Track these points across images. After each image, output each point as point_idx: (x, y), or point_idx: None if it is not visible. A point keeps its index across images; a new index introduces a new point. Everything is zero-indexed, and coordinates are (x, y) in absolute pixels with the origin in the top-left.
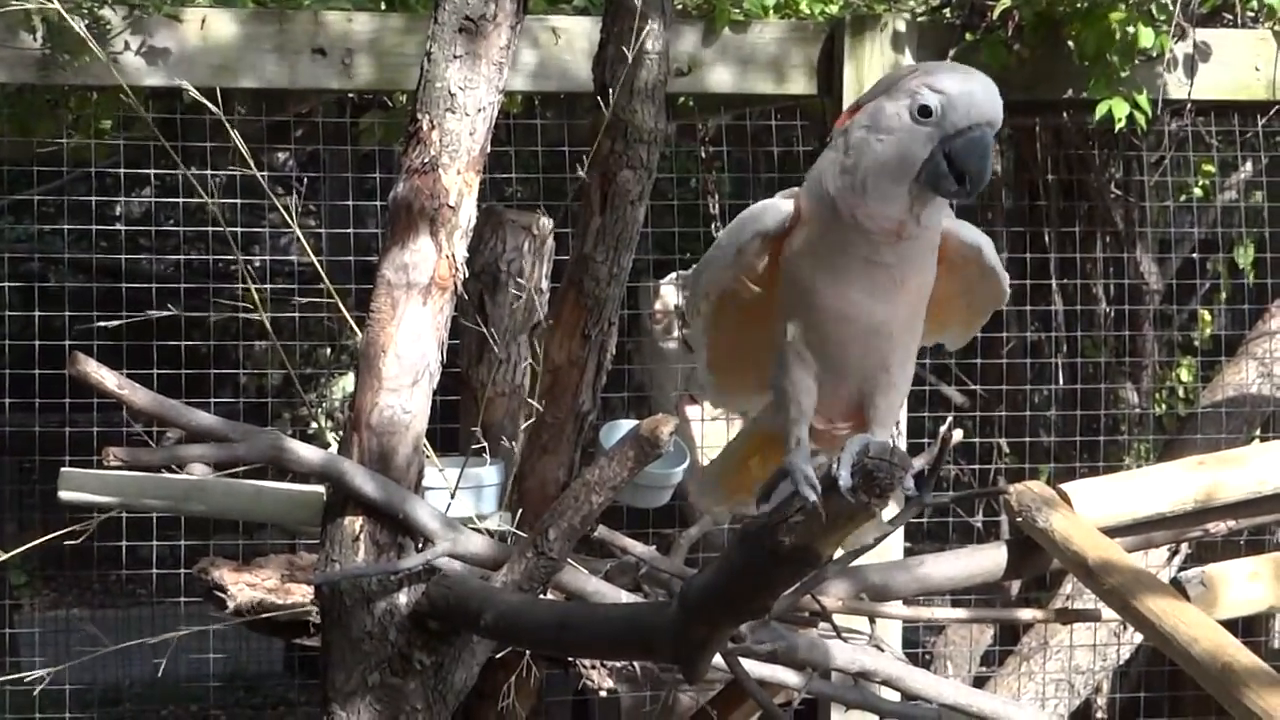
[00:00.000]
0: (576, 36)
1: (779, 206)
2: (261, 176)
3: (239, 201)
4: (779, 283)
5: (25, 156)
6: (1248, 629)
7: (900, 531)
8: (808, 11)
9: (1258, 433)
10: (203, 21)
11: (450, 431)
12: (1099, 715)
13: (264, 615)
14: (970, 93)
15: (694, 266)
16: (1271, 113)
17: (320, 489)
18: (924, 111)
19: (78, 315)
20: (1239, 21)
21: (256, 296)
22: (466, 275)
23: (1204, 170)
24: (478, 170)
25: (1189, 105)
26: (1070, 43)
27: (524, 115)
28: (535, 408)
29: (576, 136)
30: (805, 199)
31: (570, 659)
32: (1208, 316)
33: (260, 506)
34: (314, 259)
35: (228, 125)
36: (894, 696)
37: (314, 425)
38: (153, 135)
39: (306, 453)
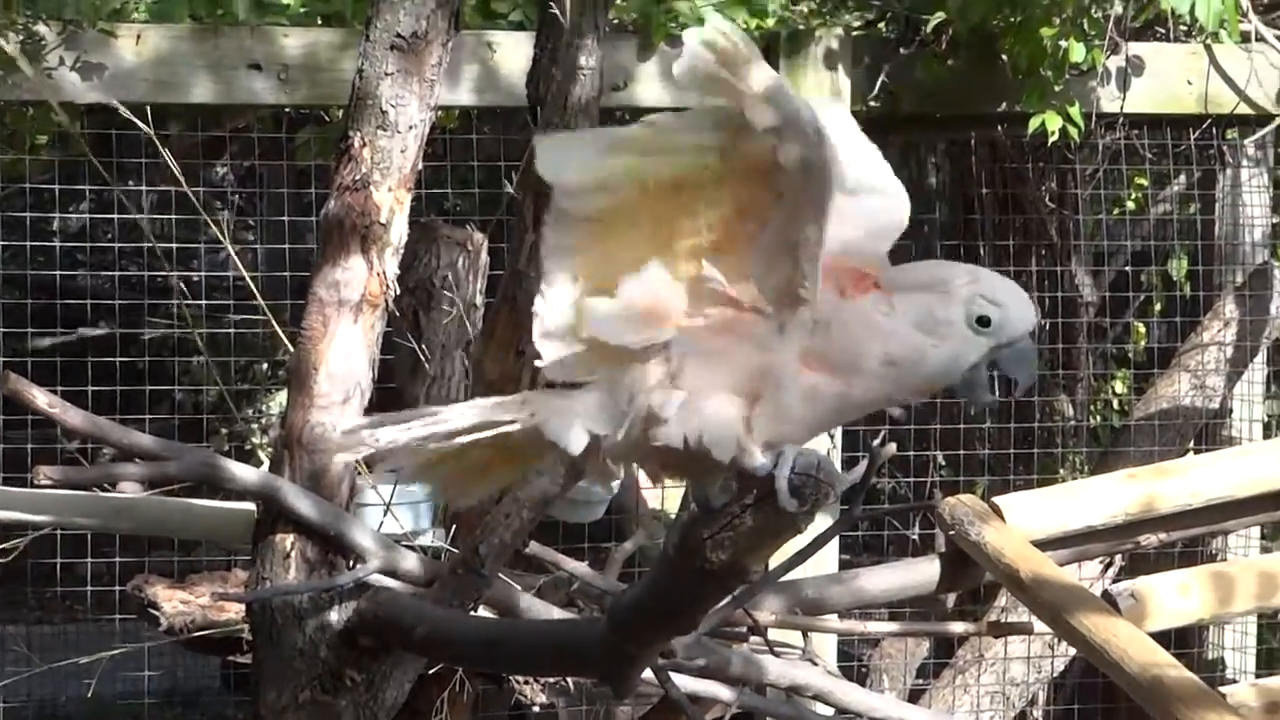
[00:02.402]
0: (512, 51)
1: None
2: (195, 193)
3: (174, 217)
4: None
5: None
6: (1180, 641)
7: (835, 544)
8: (743, 26)
9: (1191, 445)
10: (138, 37)
11: None
12: None
13: (198, 633)
14: (1023, 304)
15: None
16: (1204, 126)
17: (251, 507)
18: (983, 321)
19: (12, 332)
20: (1171, 36)
21: (189, 313)
22: (398, 292)
23: (1137, 183)
24: (409, 187)
25: (1122, 119)
26: (1004, 57)
27: (461, 130)
28: None
29: (513, 151)
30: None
31: (503, 674)
32: (1142, 329)
33: (191, 524)
34: (247, 275)
35: (158, 144)
36: (827, 711)
37: (251, 440)
38: (89, 150)
39: (240, 471)
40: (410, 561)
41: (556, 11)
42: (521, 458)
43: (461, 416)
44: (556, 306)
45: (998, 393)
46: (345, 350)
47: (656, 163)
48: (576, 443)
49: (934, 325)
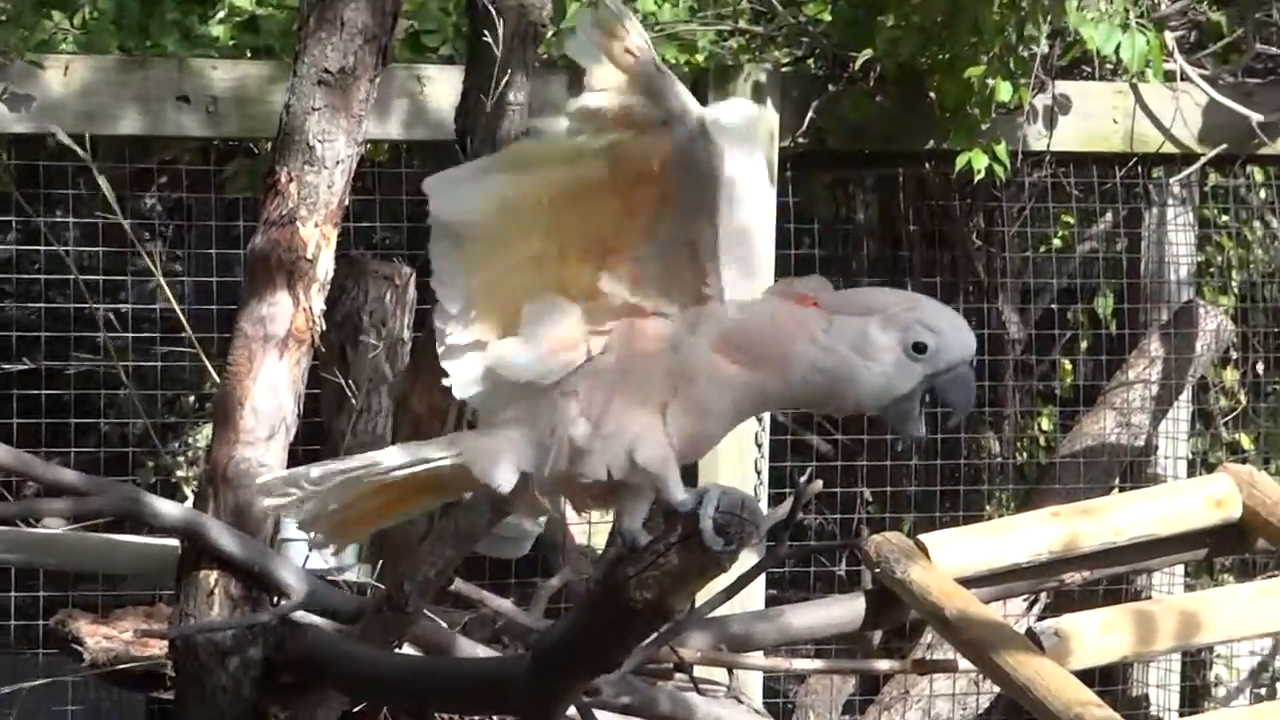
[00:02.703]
0: (441, 85)
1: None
2: (126, 224)
3: (102, 249)
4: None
5: None
6: (1105, 679)
7: (762, 580)
8: (673, 60)
9: (1116, 482)
10: (66, 69)
11: None
12: None
13: (120, 667)
14: (961, 331)
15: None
16: (1130, 164)
17: (174, 542)
18: (919, 348)
19: None
20: (1098, 75)
21: (116, 345)
22: (325, 327)
23: (1064, 221)
24: (336, 223)
25: (1049, 156)
26: (932, 94)
27: (390, 163)
28: None
29: None
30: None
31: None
32: (1068, 366)
33: (115, 560)
34: (176, 307)
35: (95, 172)
36: None
37: (177, 474)
38: (13, 181)
39: (165, 508)
40: (334, 598)
41: (487, 45)
42: (444, 493)
43: (392, 458)
44: (458, 338)
45: (925, 429)
46: (271, 386)
47: (540, 178)
48: (506, 481)
49: (868, 348)
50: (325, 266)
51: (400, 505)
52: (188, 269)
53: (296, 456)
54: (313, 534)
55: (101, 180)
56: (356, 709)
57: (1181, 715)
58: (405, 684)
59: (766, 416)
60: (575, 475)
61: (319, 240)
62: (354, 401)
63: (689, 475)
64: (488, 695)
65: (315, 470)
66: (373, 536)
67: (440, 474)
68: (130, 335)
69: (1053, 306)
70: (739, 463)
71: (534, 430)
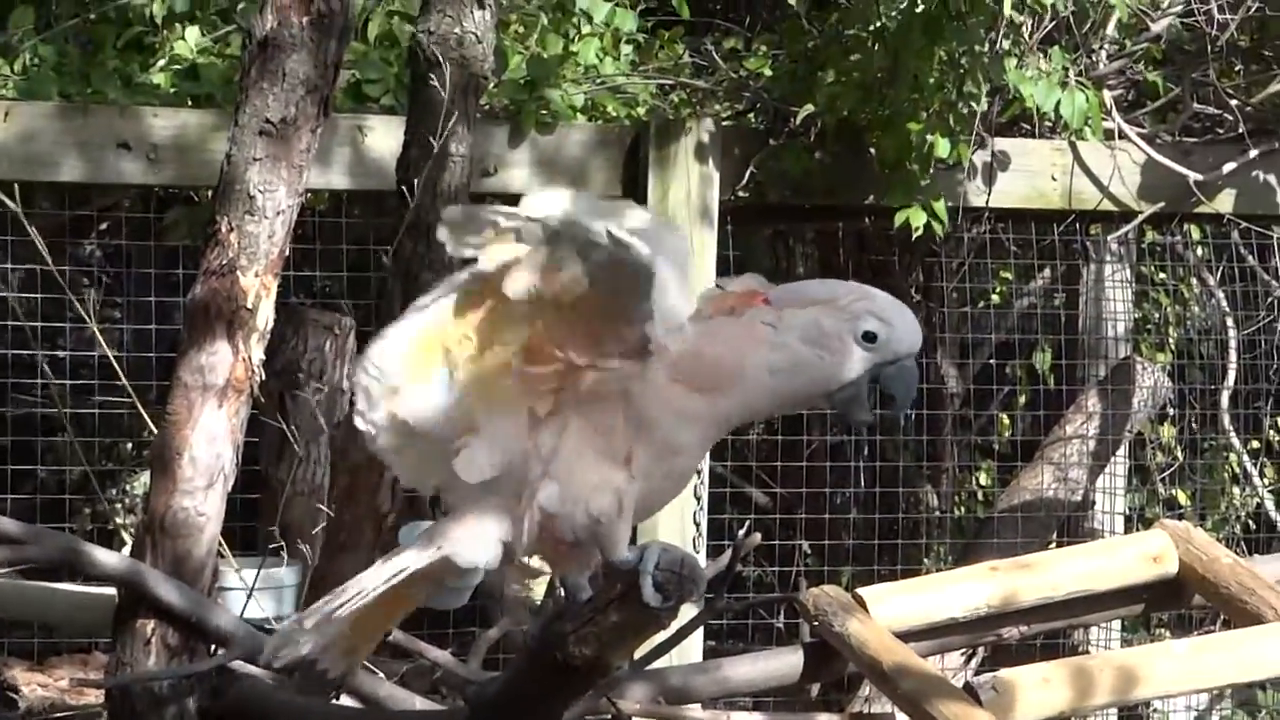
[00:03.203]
0: (383, 135)
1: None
2: (60, 273)
3: (40, 296)
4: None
5: None
6: None
7: (700, 633)
8: (614, 114)
9: (1054, 537)
10: (5, 114)
11: (249, 530)
12: None
13: (56, 716)
14: (910, 324)
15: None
16: (1068, 221)
17: (113, 591)
18: (869, 337)
19: None
20: (1037, 132)
21: (55, 391)
22: (264, 377)
23: (1002, 276)
24: (276, 273)
25: (988, 213)
26: (871, 150)
27: (331, 212)
28: (326, 512)
29: (383, 234)
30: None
31: None
32: (1006, 421)
33: (52, 608)
34: (111, 355)
35: (25, 222)
36: None
37: (116, 520)
38: None
39: (102, 556)
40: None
41: (429, 98)
42: (438, 585)
43: (374, 579)
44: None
45: (872, 416)
46: (209, 435)
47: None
48: (490, 560)
49: (821, 338)
50: (265, 316)
51: (397, 606)
52: (126, 316)
53: (235, 505)
54: (328, 667)
55: (31, 230)
56: None
57: None
58: None
59: (705, 469)
60: (548, 537)
61: (259, 290)
62: (295, 450)
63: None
64: None
65: (308, 620)
66: (309, 584)
67: (428, 572)
68: (68, 382)
69: (991, 361)
70: (678, 515)
71: (504, 499)
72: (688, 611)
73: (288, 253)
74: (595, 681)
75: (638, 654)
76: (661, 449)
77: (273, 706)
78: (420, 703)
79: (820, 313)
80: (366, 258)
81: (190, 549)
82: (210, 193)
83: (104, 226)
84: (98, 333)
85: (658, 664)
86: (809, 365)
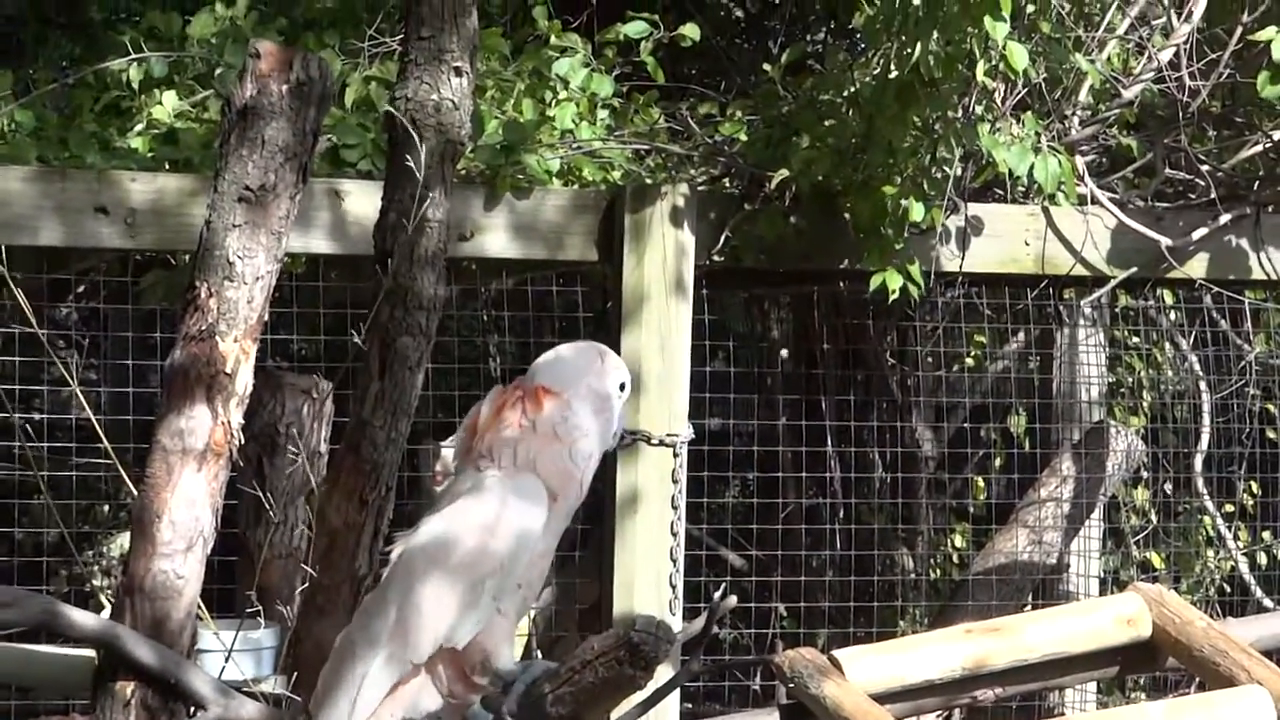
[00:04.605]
0: (360, 199)
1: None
2: (41, 334)
3: (17, 359)
4: None
5: None
6: None
7: (676, 696)
8: (590, 179)
9: (1028, 599)
10: None
11: (227, 592)
12: None
13: None
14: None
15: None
16: (1042, 286)
17: (91, 653)
18: (623, 386)
19: None
20: (1010, 197)
21: (31, 454)
22: (243, 441)
23: (977, 340)
24: (255, 338)
25: (962, 277)
26: (846, 214)
27: (308, 275)
28: (309, 572)
29: (359, 298)
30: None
31: None
32: (981, 484)
33: (30, 671)
34: (92, 416)
35: (10, 282)
36: None
37: (93, 582)
38: None
39: (80, 618)
40: (250, 709)
41: (406, 163)
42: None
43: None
44: None
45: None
46: (189, 498)
47: None
48: None
49: (601, 405)
50: (244, 381)
51: None
52: (103, 379)
53: (213, 567)
54: None
55: (17, 292)
56: None
57: None
58: None
59: (681, 532)
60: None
61: (238, 355)
62: (271, 514)
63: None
64: None
65: None
66: (287, 646)
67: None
68: (45, 444)
69: (965, 425)
70: (654, 578)
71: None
72: (664, 673)
73: (266, 317)
74: None
75: (615, 715)
76: (528, 578)
77: None
78: None
79: (592, 381)
80: (343, 321)
81: (169, 611)
82: (188, 257)
83: (81, 289)
84: (79, 394)
85: None
86: (604, 432)
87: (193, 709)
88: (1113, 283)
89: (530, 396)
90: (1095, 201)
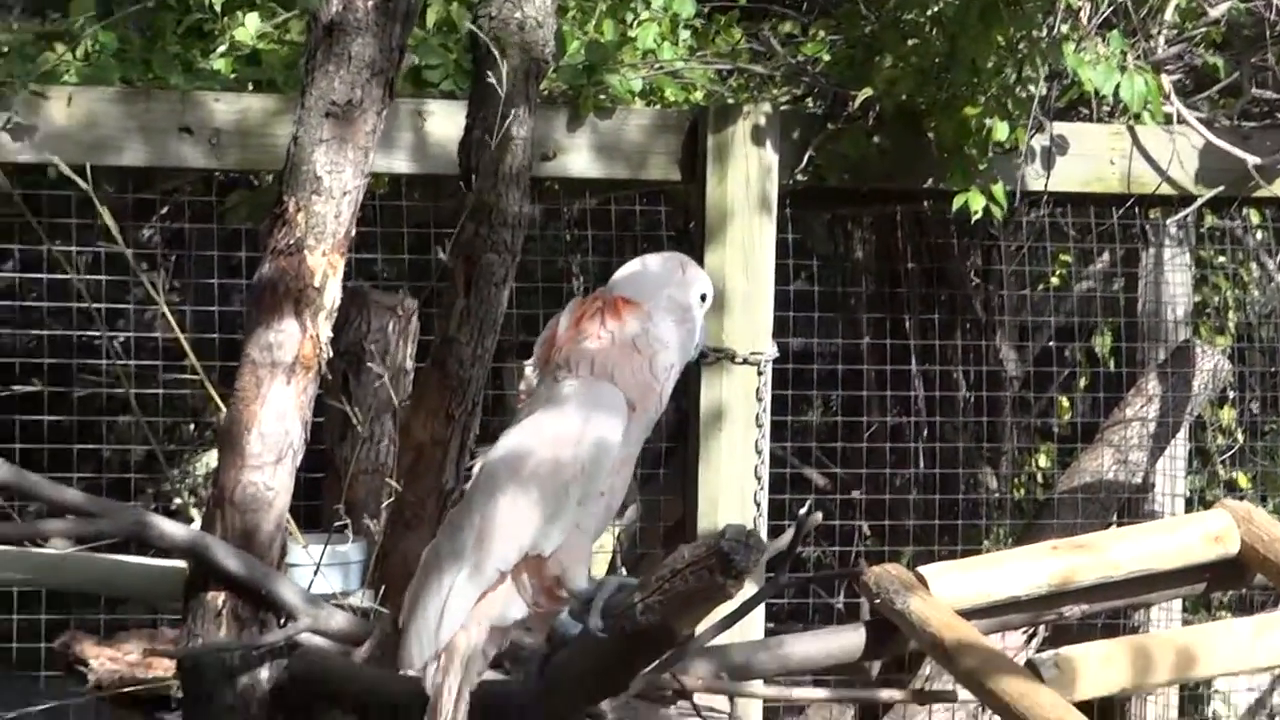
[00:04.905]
0: (444, 120)
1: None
2: (128, 253)
3: (104, 278)
4: None
5: None
6: (1103, 713)
7: (762, 610)
8: (672, 99)
9: (1113, 519)
10: (69, 99)
11: (314, 508)
12: None
13: (125, 689)
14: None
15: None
16: (1127, 205)
17: (182, 564)
18: (704, 297)
19: None
20: (1095, 116)
21: (121, 371)
22: (331, 355)
23: (1062, 260)
24: (343, 252)
25: (1046, 196)
26: (930, 134)
27: (390, 196)
28: (396, 487)
29: (442, 218)
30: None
31: None
32: (1066, 404)
33: (121, 581)
34: (180, 334)
35: (96, 202)
36: None
37: (177, 501)
38: (16, 210)
39: (170, 528)
40: (340, 620)
41: (490, 81)
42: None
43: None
44: None
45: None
46: (278, 411)
47: None
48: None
49: (682, 315)
50: (332, 295)
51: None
52: (187, 298)
53: (300, 484)
54: None
55: (103, 210)
56: None
57: None
58: (412, 706)
59: (765, 450)
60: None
61: (326, 269)
62: (358, 430)
63: None
64: (493, 717)
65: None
66: (374, 560)
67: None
68: (132, 363)
69: (1050, 344)
70: (738, 495)
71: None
72: (749, 589)
73: (353, 232)
74: (662, 650)
75: (700, 630)
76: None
77: (342, 677)
78: (488, 674)
79: (673, 292)
80: (426, 241)
81: (259, 523)
82: (271, 177)
83: (165, 210)
84: (167, 312)
85: (719, 640)
86: (685, 344)
87: (282, 619)
88: (1199, 202)
89: (609, 307)
90: (1181, 120)
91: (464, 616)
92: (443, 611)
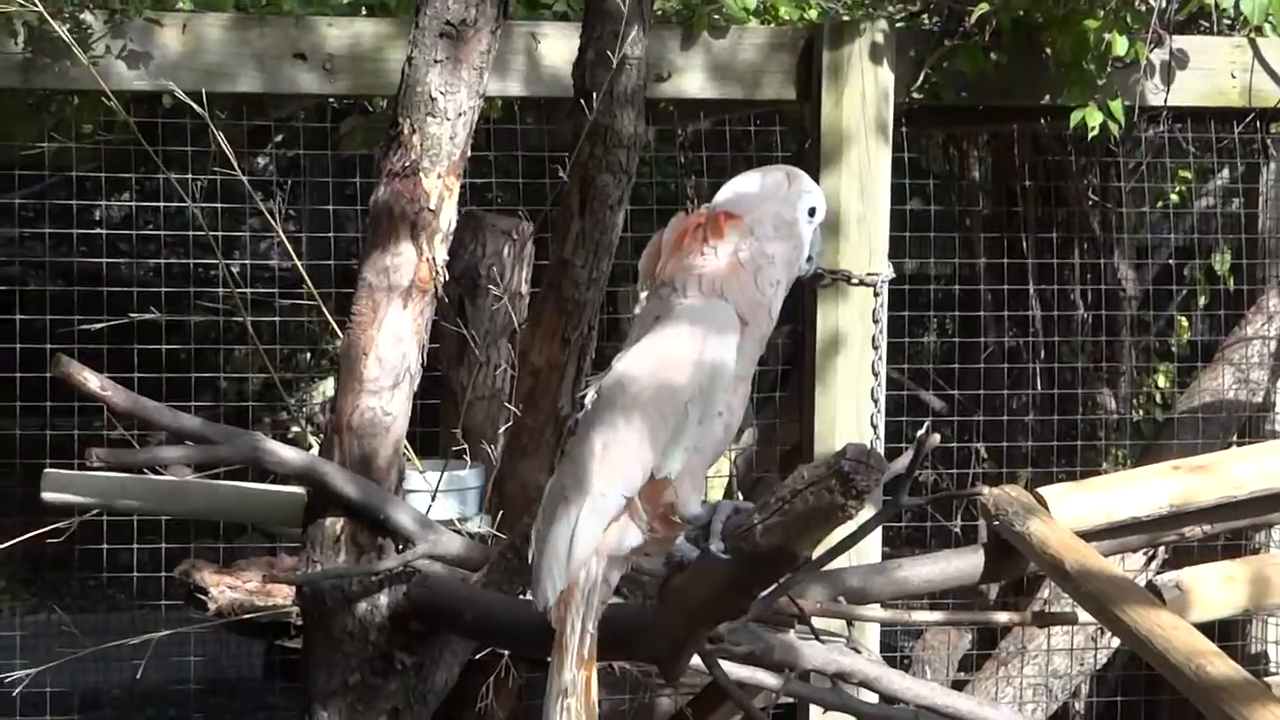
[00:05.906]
0: (557, 42)
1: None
2: (244, 180)
3: (219, 206)
4: None
5: (6, 160)
6: (1224, 633)
7: (878, 535)
8: (786, 17)
9: (1234, 438)
10: (184, 26)
11: (431, 434)
12: (1076, 719)
13: (245, 616)
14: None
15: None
16: (1248, 119)
17: (301, 491)
18: (813, 212)
19: (58, 319)
20: (1215, 29)
21: (239, 299)
22: (447, 278)
23: (1181, 176)
24: (458, 174)
25: (1165, 112)
26: (1047, 50)
27: (504, 120)
28: (514, 411)
29: (556, 141)
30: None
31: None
32: (1185, 323)
33: (242, 507)
34: (297, 262)
35: (212, 128)
36: (872, 698)
37: (294, 429)
38: (133, 140)
39: (288, 454)
40: (458, 546)
41: (604, 2)
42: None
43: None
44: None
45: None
46: (395, 335)
47: None
48: None
49: (788, 231)
50: (448, 218)
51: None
52: (302, 226)
53: (417, 410)
54: None
55: (220, 137)
56: (477, 656)
57: None
58: (531, 631)
59: (883, 372)
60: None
61: (441, 191)
62: (475, 354)
63: None
64: (615, 642)
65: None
66: (492, 486)
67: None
68: (248, 291)
69: (1169, 263)
70: (855, 418)
71: None
72: (866, 512)
73: (469, 154)
74: (781, 572)
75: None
76: (740, 394)
77: (462, 602)
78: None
79: (778, 206)
80: (540, 166)
81: (377, 448)
82: (385, 102)
83: (280, 137)
84: (286, 241)
85: (836, 564)
86: (791, 261)
87: (400, 545)
88: None
89: (711, 223)
90: None
91: (592, 547)
92: (571, 545)
